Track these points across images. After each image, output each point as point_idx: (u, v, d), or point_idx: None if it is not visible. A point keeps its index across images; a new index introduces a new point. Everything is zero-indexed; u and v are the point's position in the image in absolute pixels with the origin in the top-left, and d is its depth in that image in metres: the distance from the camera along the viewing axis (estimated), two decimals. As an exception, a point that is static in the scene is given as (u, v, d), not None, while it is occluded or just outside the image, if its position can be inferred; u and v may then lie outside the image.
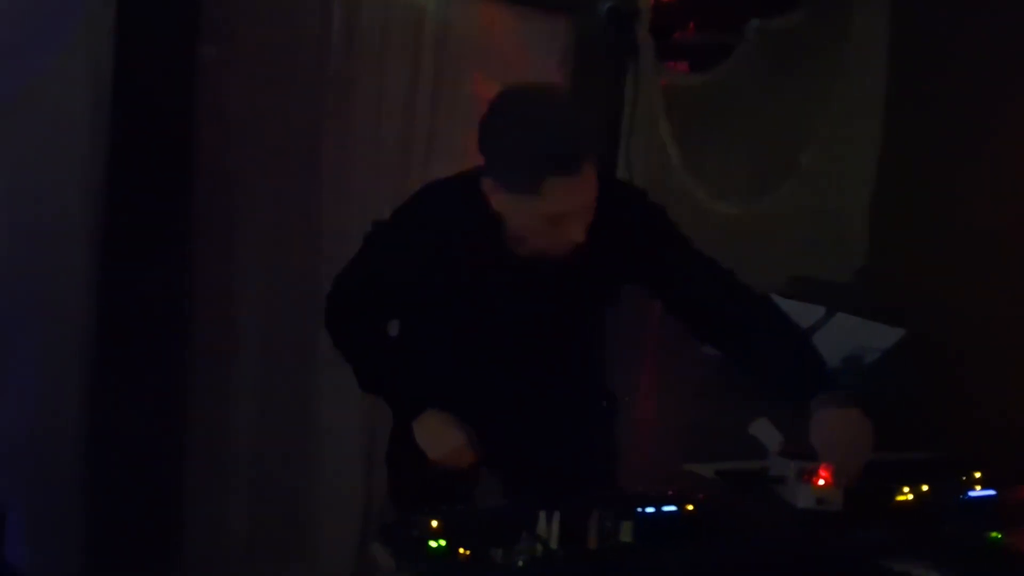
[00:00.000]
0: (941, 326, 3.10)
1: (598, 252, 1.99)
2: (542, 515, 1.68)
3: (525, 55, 3.15)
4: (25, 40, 2.47)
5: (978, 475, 2.10)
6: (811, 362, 2.02)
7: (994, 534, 1.89)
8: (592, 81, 3.20)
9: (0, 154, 2.56)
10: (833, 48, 3.50)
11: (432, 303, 2.09)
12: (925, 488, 2.03)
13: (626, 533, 1.71)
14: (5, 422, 2.63)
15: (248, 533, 2.97)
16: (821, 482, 1.90)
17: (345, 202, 2.97)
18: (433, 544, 1.64)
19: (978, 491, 2.06)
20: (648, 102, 3.22)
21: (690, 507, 1.83)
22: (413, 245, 2.04)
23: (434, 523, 1.68)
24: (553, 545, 1.66)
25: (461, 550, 1.63)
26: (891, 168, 3.46)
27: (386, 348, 2.20)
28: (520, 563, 1.62)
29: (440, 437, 2.06)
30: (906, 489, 2.02)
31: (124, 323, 2.73)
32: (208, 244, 2.85)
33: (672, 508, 1.81)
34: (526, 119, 1.90)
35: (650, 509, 1.79)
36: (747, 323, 2.04)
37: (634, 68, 3.07)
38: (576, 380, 2.20)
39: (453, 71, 3.06)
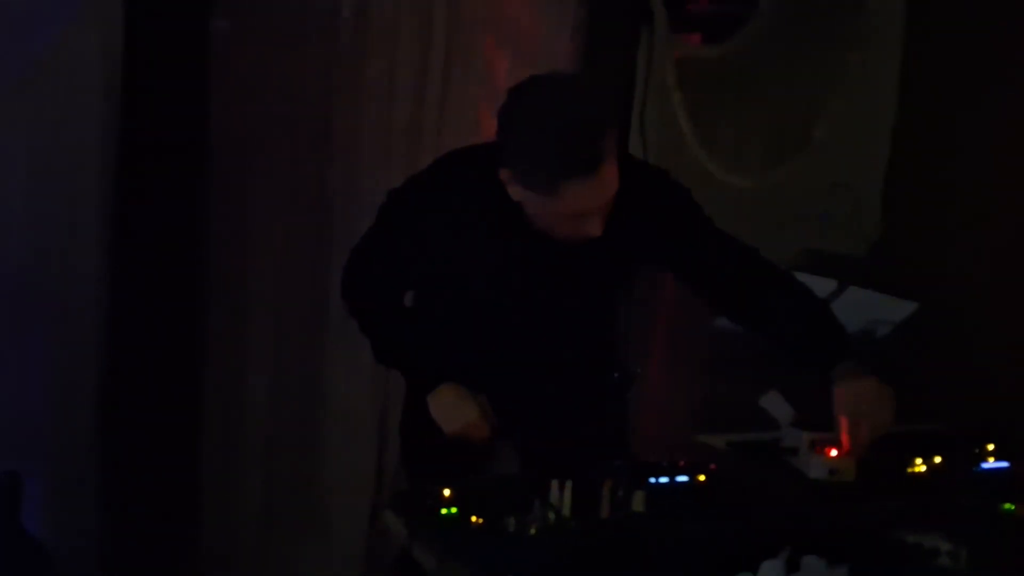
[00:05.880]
0: (954, 299, 3.09)
1: (618, 234, 1.98)
2: (554, 484, 1.69)
3: (537, 25, 3.12)
4: (33, 12, 2.46)
5: (991, 447, 2.09)
6: (833, 332, 2.02)
7: (1007, 506, 1.89)
8: (604, 52, 3.17)
9: (10, 130, 2.56)
10: (848, 19, 3.46)
11: (447, 274, 2.09)
12: (938, 460, 2.03)
13: (638, 502, 1.72)
14: (23, 393, 2.65)
15: (262, 507, 2.99)
16: (833, 453, 1.90)
17: (356, 176, 2.96)
18: (445, 512, 1.65)
19: (991, 463, 2.06)
20: (661, 74, 3.19)
21: (702, 477, 1.84)
22: (429, 214, 2.03)
23: (446, 492, 1.69)
24: (566, 514, 1.67)
25: (473, 518, 1.64)
26: (906, 141, 3.44)
27: (402, 320, 2.19)
28: (532, 532, 1.63)
29: (455, 411, 2.05)
30: (919, 461, 2.02)
31: (138, 299, 2.73)
32: (221, 220, 2.85)
33: (684, 478, 1.82)
34: (544, 120, 1.85)
35: (662, 479, 1.80)
36: (771, 301, 2.04)
37: (647, 39, 3.04)
38: (589, 352, 2.20)
39: (465, 40, 3.03)
